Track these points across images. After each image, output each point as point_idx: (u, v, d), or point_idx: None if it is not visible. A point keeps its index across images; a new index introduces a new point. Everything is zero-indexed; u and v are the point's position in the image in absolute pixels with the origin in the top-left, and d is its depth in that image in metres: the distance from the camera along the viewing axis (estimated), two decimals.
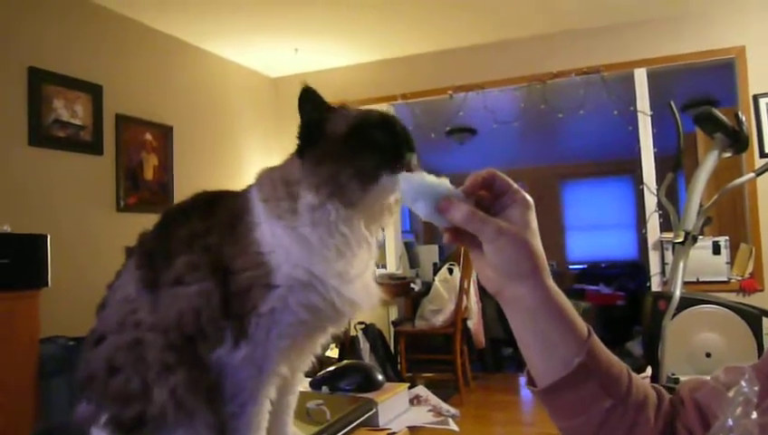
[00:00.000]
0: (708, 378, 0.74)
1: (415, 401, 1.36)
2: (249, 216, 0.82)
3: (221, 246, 0.81)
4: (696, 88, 6.00)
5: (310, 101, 0.83)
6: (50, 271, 3.18)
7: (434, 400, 1.35)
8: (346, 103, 0.86)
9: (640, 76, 5.12)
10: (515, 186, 0.71)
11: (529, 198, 0.71)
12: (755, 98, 4.70)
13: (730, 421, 0.57)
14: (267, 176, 0.86)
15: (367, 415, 1.17)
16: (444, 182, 0.71)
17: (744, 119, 3.60)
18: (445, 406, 1.33)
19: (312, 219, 0.79)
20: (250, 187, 0.87)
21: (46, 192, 3.92)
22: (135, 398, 0.76)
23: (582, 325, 0.71)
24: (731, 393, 0.59)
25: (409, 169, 0.78)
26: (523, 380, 5.49)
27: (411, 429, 1.21)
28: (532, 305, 0.69)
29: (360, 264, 0.84)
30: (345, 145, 0.80)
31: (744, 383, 0.58)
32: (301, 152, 0.83)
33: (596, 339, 0.71)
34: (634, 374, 0.73)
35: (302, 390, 1.01)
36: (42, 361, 3.13)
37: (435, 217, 0.70)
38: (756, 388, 0.58)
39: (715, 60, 4.94)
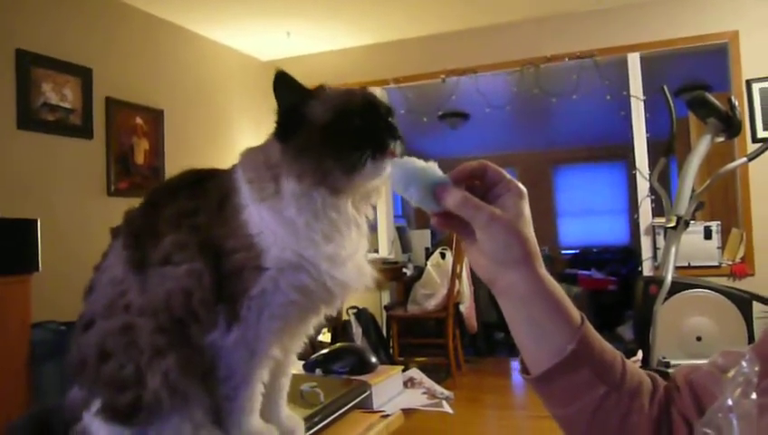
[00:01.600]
0: (704, 363, 0.73)
1: (409, 383, 1.36)
2: (236, 197, 0.81)
3: (210, 227, 0.80)
4: (689, 73, 6.00)
5: (285, 85, 0.81)
6: (40, 256, 3.16)
7: (428, 382, 1.35)
8: (325, 84, 0.84)
9: (633, 61, 5.11)
10: (508, 176, 0.71)
11: (522, 187, 0.71)
12: (748, 83, 4.70)
13: (729, 401, 0.57)
14: (250, 157, 0.85)
15: (361, 397, 1.17)
16: (433, 167, 0.71)
17: (737, 104, 3.60)
18: (439, 389, 1.33)
19: (298, 205, 0.78)
20: (235, 166, 0.85)
21: (36, 176, 3.89)
22: (128, 384, 0.75)
23: (576, 313, 0.71)
24: (731, 374, 0.59)
25: (394, 156, 0.78)
26: (514, 364, 5.53)
27: (405, 411, 1.21)
28: (525, 293, 0.69)
29: (350, 245, 0.83)
30: (327, 133, 0.79)
31: (744, 364, 0.58)
32: (279, 137, 0.81)
33: (589, 326, 0.71)
34: (628, 361, 0.73)
35: (295, 372, 1.00)
36: (33, 346, 3.11)
37: (426, 203, 0.70)
38: (757, 368, 0.57)
39: (708, 45, 4.93)
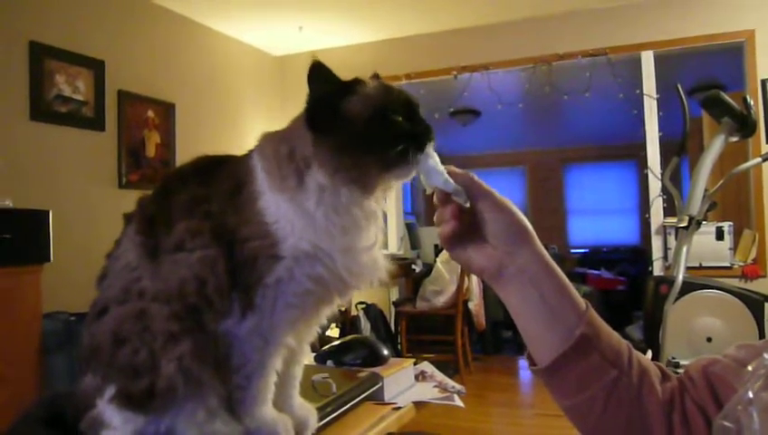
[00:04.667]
0: (720, 356, 0.73)
1: (420, 377, 1.36)
2: (252, 184, 0.80)
3: (224, 214, 0.80)
4: (703, 72, 5.96)
5: (321, 76, 0.79)
6: (52, 246, 3.18)
7: (439, 376, 1.35)
8: (361, 79, 0.83)
9: (647, 59, 5.07)
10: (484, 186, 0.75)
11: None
12: (764, 82, 4.65)
13: (750, 394, 0.56)
14: (270, 146, 0.83)
15: (372, 389, 1.17)
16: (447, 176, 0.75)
17: (752, 103, 3.56)
18: (450, 382, 1.33)
19: (320, 198, 0.78)
20: (251, 152, 0.84)
21: (48, 168, 3.91)
22: (143, 370, 0.75)
23: (580, 298, 0.73)
24: (751, 366, 0.59)
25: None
26: (522, 362, 5.52)
27: (417, 404, 1.21)
28: (536, 272, 0.72)
29: (367, 238, 0.83)
30: (367, 131, 0.77)
31: (766, 356, 0.57)
32: (311, 125, 0.79)
33: (594, 312, 0.72)
34: (633, 348, 0.74)
35: (307, 363, 1.00)
36: (43, 336, 3.13)
37: (437, 178, 0.74)
38: None
39: (723, 43, 4.89)
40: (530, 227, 0.73)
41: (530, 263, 0.72)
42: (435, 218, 0.77)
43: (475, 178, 0.73)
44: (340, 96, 0.79)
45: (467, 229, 0.74)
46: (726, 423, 0.57)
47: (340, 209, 0.78)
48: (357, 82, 0.81)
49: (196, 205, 0.81)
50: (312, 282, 0.79)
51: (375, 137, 0.78)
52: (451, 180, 0.73)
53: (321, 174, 0.77)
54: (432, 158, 0.76)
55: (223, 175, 0.83)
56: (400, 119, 0.79)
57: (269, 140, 0.85)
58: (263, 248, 0.78)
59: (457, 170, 0.74)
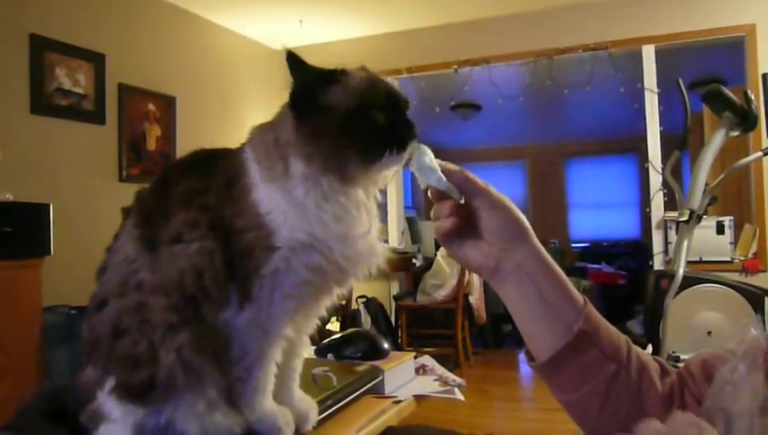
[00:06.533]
0: (721, 352, 0.73)
1: (421, 370, 1.36)
2: (245, 177, 0.80)
3: (219, 206, 0.79)
4: (704, 66, 5.95)
5: (299, 64, 0.79)
6: (52, 240, 3.18)
7: (440, 369, 1.35)
8: (347, 69, 0.82)
9: (648, 53, 5.06)
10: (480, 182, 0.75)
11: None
12: (765, 77, 4.65)
13: (733, 373, 0.56)
14: (259, 136, 0.84)
15: (373, 382, 1.16)
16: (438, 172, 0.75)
17: (753, 97, 3.55)
18: (451, 376, 1.32)
19: (306, 187, 0.78)
20: (244, 145, 0.84)
21: (48, 161, 3.91)
22: (142, 362, 0.75)
23: (578, 294, 0.73)
24: (734, 345, 0.59)
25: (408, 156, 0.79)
26: (522, 356, 5.55)
27: (417, 397, 1.21)
28: (534, 268, 0.71)
29: (361, 225, 0.82)
30: (346, 122, 0.77)
31: (753, 331, 0.58)
32: (294, 110, 0.80)
33: (592, 307, 0.73)
34: (632, 344, 0.74)
35: (307, 357, 1.00)
36: (44, 330, 3.13)
37: (430, 176, 0.74)
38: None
39: (723, 38, 4.88)
40: (527, 223, 0.73)
41: (527, 260, 0.72)
42: (431, 214, 0.76)
43: (470, 175, 0.73)
44: (323, 84, 0.79)
45: (464, 226, 0.74)
46: (714, 404, 0.57)
47: (329, 197, 0.78)
48: (342, 72, 0.81)
49: (193, 197, 0.81)
50: (309, 271, 0.79)
51: (354, 131, 0.77)
52: (444, 178, 0.73)
53: (298, 160, 0.78)
54: (426, 155, 0.76)
55: (219, 168, 0.83)
56: (381, 115, 0.78)
57: (258, 130, 0.85)
58: (258, 239, 0.78)
59: (452, 167, 0.74)
